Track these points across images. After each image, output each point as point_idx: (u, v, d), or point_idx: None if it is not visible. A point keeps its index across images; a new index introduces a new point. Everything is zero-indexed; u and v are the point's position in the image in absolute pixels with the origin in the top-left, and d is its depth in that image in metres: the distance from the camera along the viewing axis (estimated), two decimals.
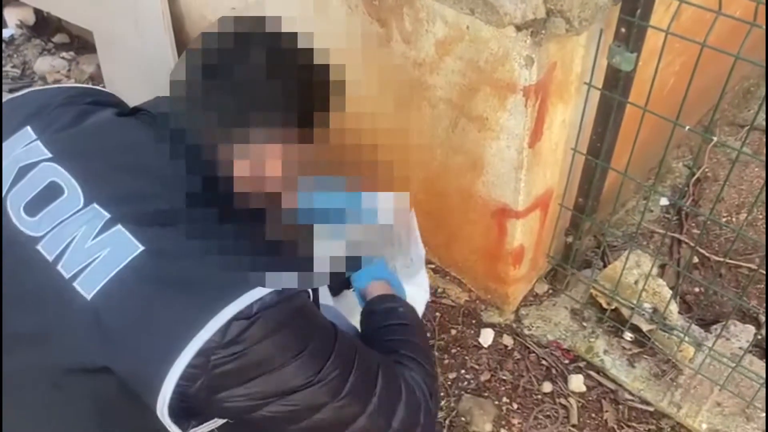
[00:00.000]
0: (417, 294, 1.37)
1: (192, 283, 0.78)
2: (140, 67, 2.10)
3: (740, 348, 1.61)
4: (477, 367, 1.66)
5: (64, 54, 2.60)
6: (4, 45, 2.62)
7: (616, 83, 1.29)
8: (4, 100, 1.01)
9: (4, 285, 0.82)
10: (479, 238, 1.64)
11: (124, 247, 0.78)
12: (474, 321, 1.74)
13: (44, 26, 2.68)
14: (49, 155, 0.87)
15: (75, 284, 0.78)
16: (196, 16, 1.97)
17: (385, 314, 1.07)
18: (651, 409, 1.58)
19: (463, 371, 1.65)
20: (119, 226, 0.80)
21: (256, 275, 0.78)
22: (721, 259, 1.86)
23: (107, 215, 0.80)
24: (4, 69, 2.54)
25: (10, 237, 0.83)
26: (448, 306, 1.77)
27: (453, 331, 1.72)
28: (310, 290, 0.90)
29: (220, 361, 0.76)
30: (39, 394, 0.80)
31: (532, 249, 1.65)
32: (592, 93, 1.35)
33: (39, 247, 0.81)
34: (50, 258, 0.80)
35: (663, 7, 1.27)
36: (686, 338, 1.56)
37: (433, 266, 1.84)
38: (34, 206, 0.84)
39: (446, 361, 1.66)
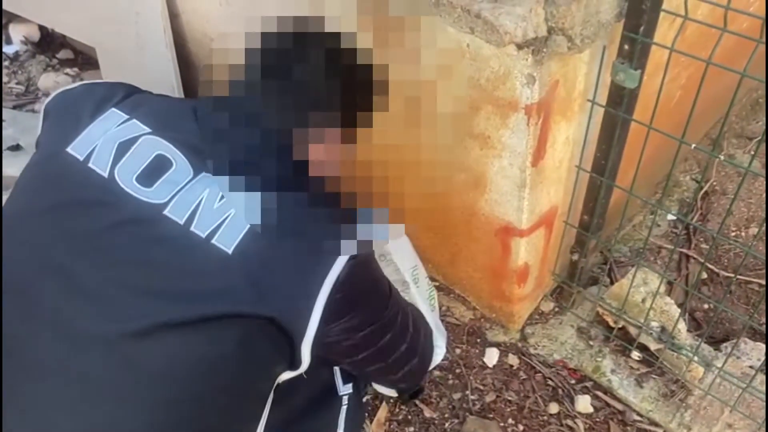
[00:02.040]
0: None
1: (311, 233, 0.88)
2: (142, 83, 2.09)
3: (751, 367, 1.58)
4: (482, 387, 1.63)
5: (68, 70, 2.60)
6: (8, 62, 2.63)
7: (620, 100, 1.27)
8: (53, 94, 1.06)
9: (138, 252, 0.87)
10: (483, 256, 1.61)
11: (252, 205, 0.86)
12: (479, 340, 1.72)
13: (49, 42, 2.69)
14: (149, 130, 0.92)
15: (213, 241, 0.85)
16: (198, 33, 1.96)
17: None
18: (660, 430, 1.54)
19: (467, 392, 1.62)
20: (240, 189, 0.87)
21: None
22: (731, 275, 1.82)
23: (226, 179, 0.87)
24: (8, 85, 2.55)
25: (132, 205, 0.88)
26: (453, 325, 1.74)
27: (457, 350, 1.70)
28: None
29: (337, 296, 0.87)
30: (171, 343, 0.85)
31: (537, 267, 1.62)
32: (596, 110, 1.33)
33: (167, 213, 0.87)
34: (181, 221, 0.86)
35: (667, 21, 1.25)
36: (695, 358, 1.53)
37: (437, 284, 1.81)
38: (147, 177, 0.89)
39: (450, 381, 1.64)
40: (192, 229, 0.86)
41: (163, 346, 0.84)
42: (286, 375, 0.96)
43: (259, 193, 0.87)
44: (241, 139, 0.89)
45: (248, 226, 0.85)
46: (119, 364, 0.84)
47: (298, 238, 0.87)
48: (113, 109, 0.96)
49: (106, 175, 0.90)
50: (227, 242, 0.85)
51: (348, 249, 0.88)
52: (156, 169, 0.89)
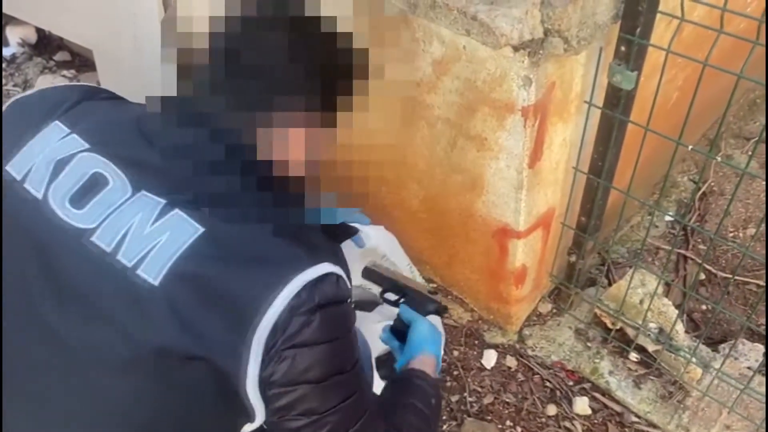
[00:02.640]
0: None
1: (253, 261, 0.78)
2: (139, 84, 2.09)
3: (749, 368, 1.58)
4: (480, 389, 1.62)
5: (65, 72, 2.60)
6: (6, 64, 2.62)
7: (617, 101, 1.27)
8: (8, 102, 1.00)
9: (60, 282, 0.81)
10: (481, 258, 1.61)
11: (184, 229, 0.79)
12: (477, 342, 1.72)
13: (46, 44, 2.68)
14: (87, 146, 0.86)
15: (139, 272, 0.78)
16: None
17: (418, 391, 1.05)
18: None
19: (465, 394, 1.61)
20: (177, 210, 0.80)
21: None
22: (729, 276, 1.82)
23: (162, 201, 0.80)
24: (5, 87, 2.54)
25: (58, 231, 0.82)
26: (451, 326, 1.74)
27: (455, 353, 1.70)
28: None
29: (282, 349, 0.76)
30: (105, 379, 0.79)
31: (535, 269, 1.62)
32: (593, 111, 1.32)
33: (94, 239, 0.80)
34: (108, 248, 0.79)
35: (664, 23, 1.25)
36: (693, 359, 1.52)
37: (435, 286, 1.81)
38: (79, 198, 0.83)
39: (449, 384, 1.63)
40: (118, 257, 0.79)
41: (91, 385, 0.80)
42: (249, 427, 0.86)
43: (191, 215, 0.79)
44: (199, 154, 0.82)
45: (179, 253, 0.78)
46: (53, 404, 0.81)
47: (239, 266, 0.78)
48: (56, 122, 0.90)
49: (40, 196, 0.84)
50: (153, 272, 0.77)
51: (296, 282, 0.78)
52: (89, 189, 0.83)
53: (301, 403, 0.80)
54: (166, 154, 0.83)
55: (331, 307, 0.79)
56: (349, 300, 0.84)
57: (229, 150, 0.81)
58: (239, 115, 0.80)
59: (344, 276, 0.83)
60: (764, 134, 2.06)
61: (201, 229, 0.78)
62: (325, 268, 0.79)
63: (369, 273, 1.32)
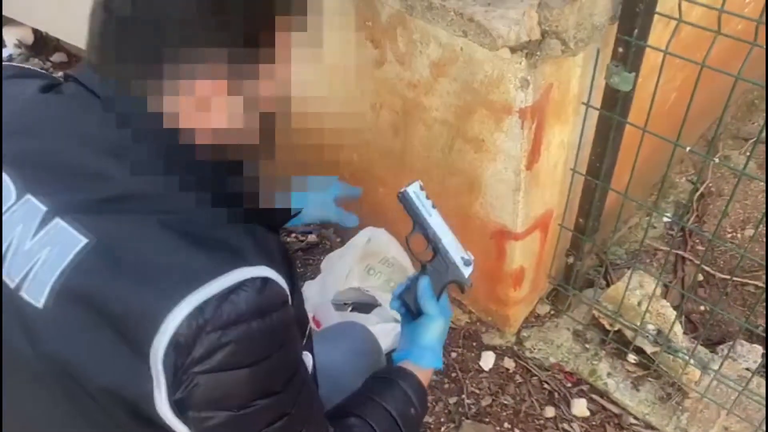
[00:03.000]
0: None
1: (150, 272, 0.68)
2: None
3: (747, 369, 1.57)
4: (478, 391, 1.62)
5: (62, 73, 2.59)
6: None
7: (615, 103, 1.27)
8: None
9: None
10: (478, 259, 1.60)
11: (67, 242, 0.69)
12: (475, 343, 1.71)
13: (43, 46, 2.68)
14: None
15: (22, 293, 0.70)
16: None
17: (399, 395, 0.96)
18: None
19: (463, 396, 1.61)
20: (58, 219, 0.70)
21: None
22: (727, 277, 1.82)
23: (44, 208, 0.71)
24: None
25: None
26: (449, 328, 1.73)
27: (453, 354, 1.69)
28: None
29: (189, 377, 0.66)
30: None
31: (533, 270, 1.62)
32: (591, 113, 1.32)
33: None
34: None
35: (662, 24, 1.25)
36: (691, 360, 1.52)
37: None
38: None
39: (446, 386, 1.63)
40: (3, 277, 0.71)
41: (19, 408, 0.77)
42: None
43: (77, 222, 0.69)
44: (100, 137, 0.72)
45: (63, 270, 0.68)
46: None
47: (133, 280, 0.67)
48: None
49: None
50: (37, 293, 0.69)
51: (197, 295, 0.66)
52: None
53: (221, 429, 0.70)
54: (62, 149, 0.73)
55: (251, 323, 0.67)
56: (284, 303, 0.72)
57: (138, 130, 0.71)
58: (134, 70, 0.70)
59: (274, 277, 0.70)
60: (763, 135, 2.05)
61: (88, 240, 0.68)
62: (242, 274, 0.67)
63: (405, 200, 1.11)
